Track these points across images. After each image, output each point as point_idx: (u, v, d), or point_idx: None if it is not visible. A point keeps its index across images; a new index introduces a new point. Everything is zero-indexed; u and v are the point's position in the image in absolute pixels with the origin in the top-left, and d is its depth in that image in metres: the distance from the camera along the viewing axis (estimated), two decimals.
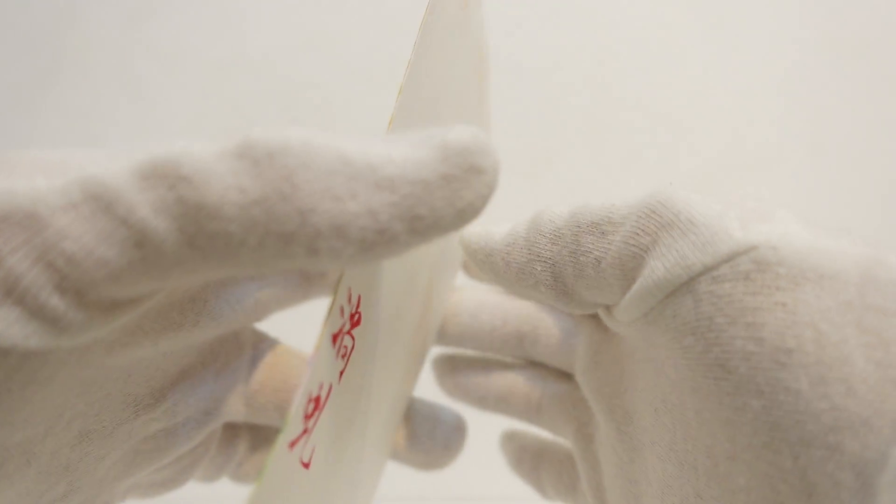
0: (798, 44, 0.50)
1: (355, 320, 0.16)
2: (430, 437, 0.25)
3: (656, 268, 0.15)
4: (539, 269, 0.18)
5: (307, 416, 0.14)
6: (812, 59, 0.51)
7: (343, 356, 0.16)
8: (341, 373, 0.16)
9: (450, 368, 0.26)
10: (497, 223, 0.20)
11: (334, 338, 0.15)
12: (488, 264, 0.20)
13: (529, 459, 0.26)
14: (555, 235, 0.18)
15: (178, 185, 0.12)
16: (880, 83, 0.50)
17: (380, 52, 0.51)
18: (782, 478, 0.14)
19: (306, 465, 0.15)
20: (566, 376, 0.24)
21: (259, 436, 0.23)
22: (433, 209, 0.13)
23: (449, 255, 0.25)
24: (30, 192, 0.12)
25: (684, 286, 0.15)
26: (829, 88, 0.50)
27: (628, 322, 0.17)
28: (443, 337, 0.25)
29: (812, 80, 0.51)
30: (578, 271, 0.17)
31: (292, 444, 0.14)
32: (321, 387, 0.15)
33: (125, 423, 0.17)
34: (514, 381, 0.25)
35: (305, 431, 0.14)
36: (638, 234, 0.16)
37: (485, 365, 0.26)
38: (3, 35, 0.52)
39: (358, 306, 0.16)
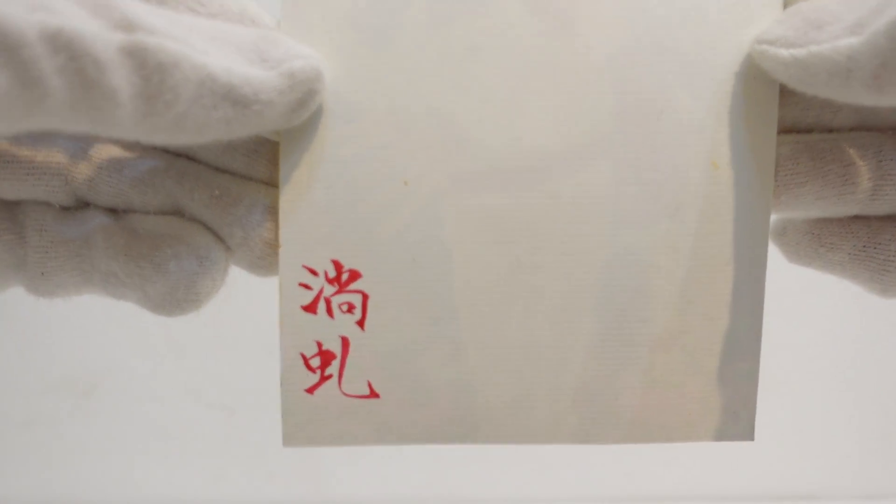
0: None
1: (344, 280, 0.18)
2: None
3: None
4: None
5: (321, 366, 0.19)
6: None
7: (348, 311, 0.18)
8: (360, 322, 0.19)
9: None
10: None
11: (309, 308, 0.18)
12: None
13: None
14: None
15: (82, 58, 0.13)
16: None
17: None
18: None
19: (363, 395, 0.19)
20: None
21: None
22: (273, 121, 0.17)
23: None
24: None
25: None
26: None
27: None
28: None
29: None
30: None
31: (310, 390, 0.19)
32: (320, 344, 0.19)
33: None
34: None
35: (327, 377, 0.19)
36: None
37: None
38: None
39: (340, 271, 0.18)
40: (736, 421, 0.20)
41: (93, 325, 0.52)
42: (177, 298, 0.18)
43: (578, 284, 0.19)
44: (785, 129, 0.19)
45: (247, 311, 0.48)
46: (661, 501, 0.54)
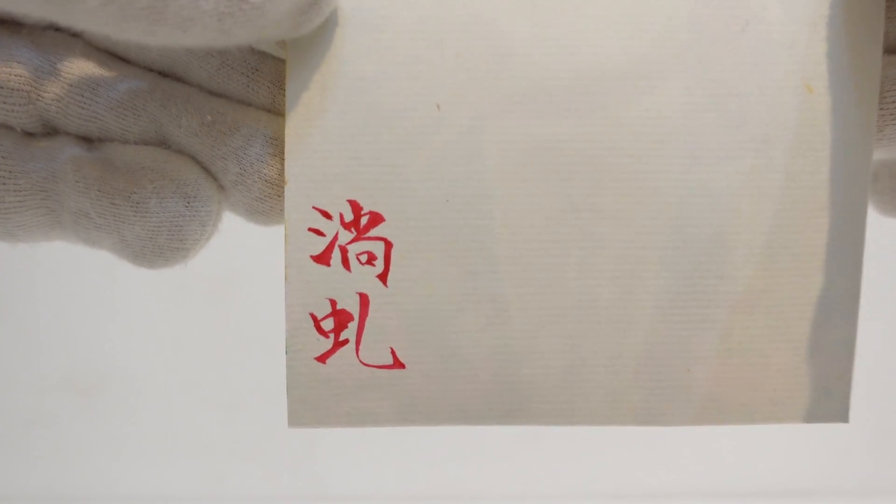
0: None
1: (364, 225, 0.15)
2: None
3: None
4: None
5: (335, 330, 0.16)
6: None
7: (368, 262, 0.15)
8: (382, 276, 0.15)
9: None
10: None
11: (320, 258, 0.15)
12: None
13: None
14: None
15: None
16: None
17: None
18: None
19: (385, 365, 0.16)
20: None
21: None
22: (277, 24, 0.13)
23: None
24: None
25: None
26: None
27: None
28: None
29: None
30: None
31: (322, 358, 0.16)
32: (333, 302, 0.16)
33: None
34: None
35: (341, 343, 0.16)
36: None
37: None
38: None
39: (359, 213, 0.15)
40: (828, 399, 0.16)
41: (93, 325, 0.52)
42: (158, 245, 0.15)
43: (644, 232, 0.16)
44: (891, 49, 0.16)
45: (248, 309, 0.49)
46: (658, 499, 0.53)
